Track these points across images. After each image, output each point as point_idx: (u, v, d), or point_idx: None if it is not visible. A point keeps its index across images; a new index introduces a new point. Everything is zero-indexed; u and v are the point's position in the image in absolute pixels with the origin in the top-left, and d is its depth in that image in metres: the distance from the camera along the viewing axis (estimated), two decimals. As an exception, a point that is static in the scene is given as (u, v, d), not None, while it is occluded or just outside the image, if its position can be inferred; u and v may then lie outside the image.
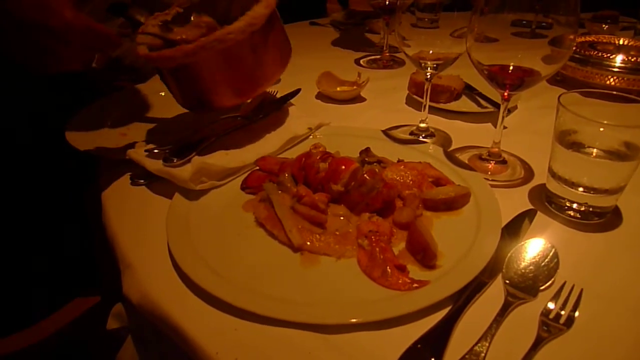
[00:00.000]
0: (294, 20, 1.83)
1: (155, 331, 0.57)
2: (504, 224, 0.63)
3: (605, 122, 0.59)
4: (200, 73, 0.73)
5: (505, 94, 0.72)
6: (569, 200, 0.66)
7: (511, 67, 0.71)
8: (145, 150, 0.74)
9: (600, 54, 1.12)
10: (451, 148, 0.87)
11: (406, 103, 1.10)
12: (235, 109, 0.84)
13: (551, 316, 0.50)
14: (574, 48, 0.68)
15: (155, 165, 0.71)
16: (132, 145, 0.79)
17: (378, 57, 1.44)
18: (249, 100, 0.86)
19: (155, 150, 0.74)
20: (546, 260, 0.56)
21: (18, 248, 0.99)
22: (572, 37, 0.66)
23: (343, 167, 0.65)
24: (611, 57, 1.11)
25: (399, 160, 0.75)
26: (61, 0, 0.64)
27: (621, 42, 1.25)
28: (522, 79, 0.70)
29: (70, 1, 0.65)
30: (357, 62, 1.42)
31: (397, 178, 0.69)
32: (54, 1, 0.63)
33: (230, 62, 0.73)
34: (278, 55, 0.82)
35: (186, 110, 0.85)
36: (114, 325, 0.67)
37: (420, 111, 0.90)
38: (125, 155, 0.75)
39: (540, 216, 0.67)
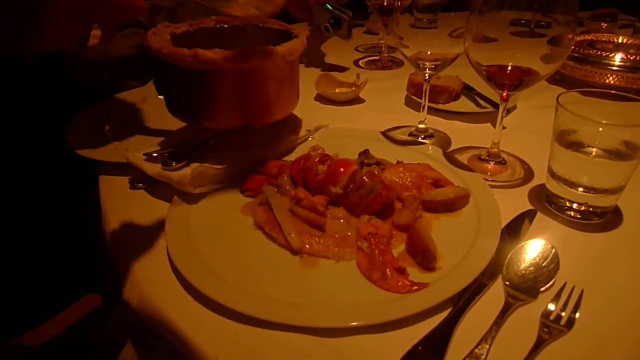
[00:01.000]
0: (291, 22, 1.83)
1: (155, 335, 0.57)
2: (503, 224, 0.63)
3: (604, 121, 0.59)
4: (226, 83, 0.73)
5: (504, 94, 0.72)
6: (568, 200, 0.65)
7: (509, 67, 0.70)
8: (144, 154, 0.74)
9: (599, 53, 1.12)
10: (450, 149, 0.87)
11: (405, 104, 1.10)
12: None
13: (552, 317, 0.49)
14: (573, 47, 0.67)
15: (154, 169, 0.71)
16: (130, 149, 0.79)
17: (377, 58, 1.44)
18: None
19: (154, 154, 0.74)
20: (546, 261, 0.56)
21: (19, 250, 0.99)
22: (570, 36, 0.65)
23: (342, 169, 0.65)
24: (610, 55, 1.10)
25: (398, 162, 0.75)
26: None
27: (620, 40, 1.24)
28: (520, 79, 0.69)
29: None
30: (355, 63, 1.42)
31: (396, 180, 0.69)
32: None
33: (258, 82, 0.74)
34: (293, 94, 0.83)
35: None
36: (114, 329, 0.67)
37: (419, 112, 0.90)
38: (124, 158, 0.75)
39: (540, 216, 0.66)
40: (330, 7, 1.27)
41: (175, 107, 0.80)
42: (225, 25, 0.89)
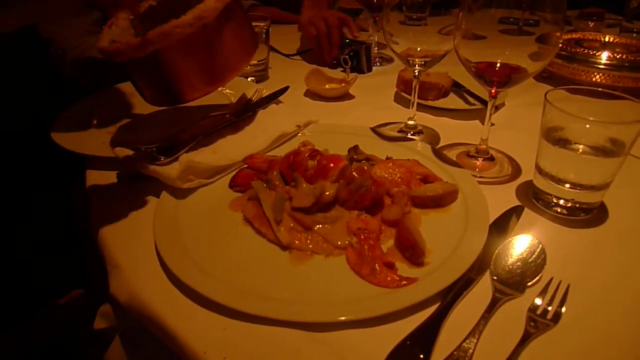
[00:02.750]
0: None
1: (143, 331, 0.56)
2: (491, 220, 0.63)
3: (591, 118, 0.59)
4: (160, 66, 0.72)
5: (493, 90, 0.72)
6: (555, 197, 0.66)
7: (498, 64, 0.71)
8: (132, 149, 0.73)
9: (586, 51, 1.13)
10: (439, 145, 0.87)
11: (394, 100, 1.10)
12: (224, 107, 0.83)
13: (538, 312, 0.50)
14: (561, 45, 0.68)
15: (142, 164, 0.70)
16: (118, 143, 0.78)
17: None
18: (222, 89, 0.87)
19: (143, 148, 0.73)
20: (533, 256, 0.57)
21: (3, 247, 0.98)
22: (558, 34, 0.66)
23: (332, 164, 0.65)
24: (597, 54, 1.12)
25: (387, 158, 0.75)
26: None
27: (607, 39, 1.26)
28: (509, 76, 0.70)
29: None
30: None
31: (386, 175, 0.70)
32: None
33: (187, 54, 0.73)
34: (239, 47, 0.81)
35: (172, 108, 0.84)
36: (102, 325, 0.66)
37: (409, 108, 0.90)
38: (112, 153, 0.74)
39: (527, 212, 0.67)
40: (347, 41, 1.27)
41: (145, 97, 0.81)
42: None
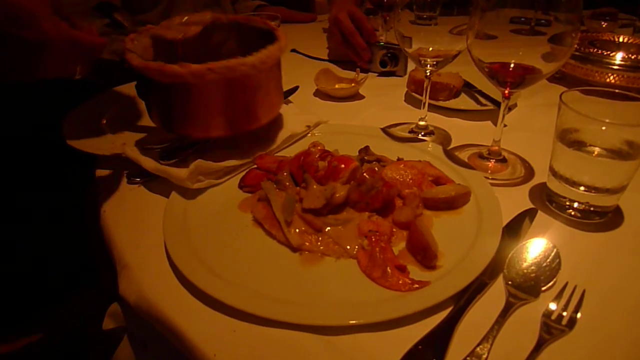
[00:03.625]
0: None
1: (152, 332, 0.56)
2: (504, 223, 0.62)
3: (607, 120, 0.58)
4: (198, 97, 0.70)
5: (506, 91, 0.71)
6: (570, 200, 0.65)
7: (512, 65, 0.70)
8: (142, 148, 0.73)
9: (600, 52, 1.12)
10: (451, 146, 0.86)
11: (405, 101, 1.09)
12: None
13: (553, 317, 0.49)
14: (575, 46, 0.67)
15: (151, 164, 0.70)
16: (128, 143, 0.78)
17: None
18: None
19: (152, 148, 0.73)
20: (548, 260, 0.56)
21: (14, 246, 0.98)
22: (573, 34, 0.65)
23: (342, 165, 0.65)
24: (611, 54, 1.10)
25: (398, 159, 0.74)
26: (37, 10, 0.57)
27: (621, 39, 1.24)
28: (523, 77, 0.69)
29: (48, 9, 0.59)
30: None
31: (397, 177, 0.69)
32: (29, 12, 0.56)
33: (231, 94, 0.71)
34: (274, 99, 0.80)
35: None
36: (111, 325, 0.66)
37: (419, 109, 0.89)
38: (121, 153, 0.74)
39: (541, 215, 0.66)
40: (382, 43, 1.25)
41: (152, 115, 0.78)
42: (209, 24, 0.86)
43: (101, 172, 0.77)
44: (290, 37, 1.46)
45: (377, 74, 1.24)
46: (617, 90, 0.64)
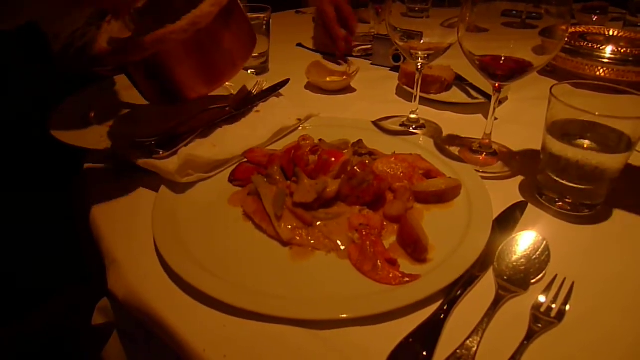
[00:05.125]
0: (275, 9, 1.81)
1: (141, 327, 0.56)
2: (494, 216, 0.62)
3: (597, 113, 0.58)
4: (158, 69, 0.73)
5: (497, 84, 0.71)
6: (559, 192, 0.65)
7: (503, 58, 0.70)
8: (131, 142, 0.72)
9: (590, 45, 1.12)
10: (441, 139, 0.86)
11: (396, 94, 1.09)
12: (224, 99, 0.82)
13: (542, 310, 0.49)
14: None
15: (140, 158, 0.69)
16: (116, 136, 0.77)
17: (369, 47, 1.42)
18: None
19: (141, 142, 0.72)
20: (537, 253, 0.56)
21: (2, 243, 0.97)
22: (564, 27, 0.65)
23: (333, 159, 0.64)
24: (601, 48, 1.10)
25: (394, 153, 0.74)
26: None
27: (611, 33, 1.24)
28: (513, 70, 0.69)
29: None
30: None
31: (388, 170, 0.69)
32: None
33: (184, 57, 0.73)
34: (238, 46, 0.81)
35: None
36: (100, 321, 0.65)
37: (411, 102, 0.89)
38: (110, 146, 0.73)
39: (531, 208, 0.66)
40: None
41: (144, 96, 0.82)
42: None
43: (89, 166, 0.76)
44: (295, 30, 1.46)
45: (389, 68, 1.24)
46: (607, 84, 0.65)
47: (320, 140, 0.74)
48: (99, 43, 0.72)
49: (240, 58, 0.82)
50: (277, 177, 0.67)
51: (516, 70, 0.69)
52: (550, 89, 0.63)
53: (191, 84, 0.77)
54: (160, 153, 0.69)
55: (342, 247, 0.57)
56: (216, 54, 0.77)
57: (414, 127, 0.89)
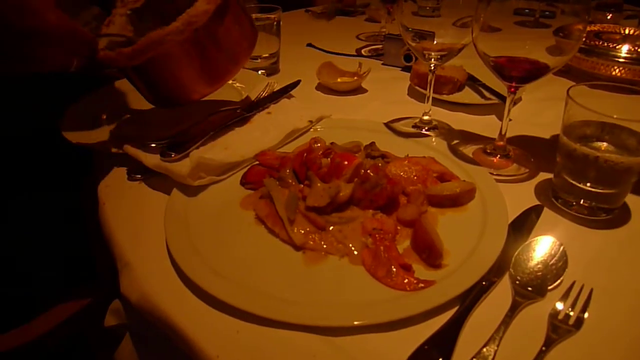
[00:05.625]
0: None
1: (154, 330, 0.56)
2: (510, 220, 0.61)
3: (615, 116, 0.57)
4: (157, 71, 0.72)
5: (512, 88, 0.70)
6: (576, 196, 0.64)
7: (518, 59, 0.68)
8: (142, 145, 0.72)
9: (605, 44, 1.10)
10: (454, 141, 0.85)
11: (408, 94, 1.08)
12: (234, 102, 0.81)
13: (560, 317, 0.48)
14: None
15: (152, 160, 0.69)
16: (128, 139, 0.77)
17: (379, 47, 1.42)
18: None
19: (153, 145, 0.72)
20: (554, 258, 0.55)
21: (13, 244, 0.98)
22: (580, 27, 0.64)
23: (345, 162, 0.64)
24: (617, 47, 1.08)
25: (407, 156, 0.73)
26: (44, 1, 0.59)
27: (627, 31, 1.22)
28: (529, 71, 0.68)
29: (53, 2, 0.60)
30: (358, 51, 1.40)
31: (401, 173, 0.68)
32: (37, 2, 0.59)
33: (182, 58, 0.72)
34: (238, 43, 0.79)
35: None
36: (112, 323, 0.65)
37: (423, 102, 0.88)
38: (121, 149, 0.73)
39: (547, 212, 0.65)
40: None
41: (147, 98, 0.81)
42: None
43: (101, 169, 0.76)
44: (305, 30, 1.45)
45: (400, 68, 1.23)
46: (624, 85, 0.63)
47: (332, 143, 0.73)
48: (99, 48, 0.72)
49: (242, 54, 0.80)
50: (290, 181, 0.66)
51: (531, 71, 0.68)
52: (567, 91, 0.62)
53: (193, 85, 0.75)
54: (172, 156, 0.69)
55: (356, 252, 0.56)
56: (217, 52, 0.75)
57: (426, 128, 0.88)
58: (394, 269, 0.53)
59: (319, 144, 0.72)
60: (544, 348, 0.45)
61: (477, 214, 0.63)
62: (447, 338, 0.46)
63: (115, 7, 0.78)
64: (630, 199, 0.65)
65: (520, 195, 0.68)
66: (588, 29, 1.21)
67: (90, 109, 0.90)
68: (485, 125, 0.91)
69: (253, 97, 0.91)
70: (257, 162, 0.74)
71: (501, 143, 0.77)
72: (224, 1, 0.72)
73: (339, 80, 1.11)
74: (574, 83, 0.65)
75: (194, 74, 0.74)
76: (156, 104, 0.81)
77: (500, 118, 0.75)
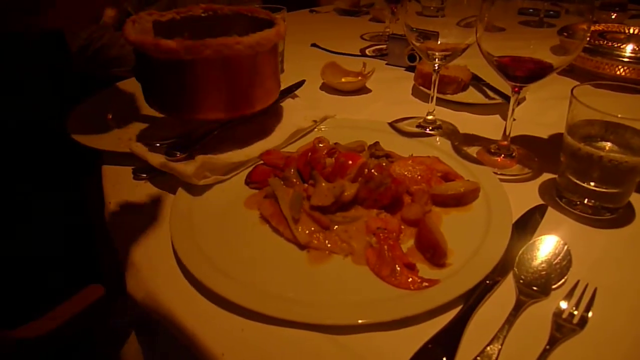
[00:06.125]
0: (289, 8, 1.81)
1: (160, 328, 0.56)
2: (514, 219, 0.61)
3: (619, 115, 0.57)
4: (195, 75, 0.70)
5: (516, 87, 0.70)
6: (580, 195, 0.64)
7: (522, 59, 0.69)
8: (148, 144, 0.73)
9: (610, 44, 1.10)
10: (458, 141, 0.85)
11: (412, 94, 1.08)
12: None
13: (564, 316, 0.49)
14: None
15: (157, 160, 0.70)
16: (133, 138, 0.77)
17: (384, 46, 1.42)
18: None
19: (158, 144, 0.73)
20: (558, 258, 0.55)
21: (18, 242, 0.99)
22: (584, 27, 0.64)
23: (350, 162, 0.64)
24: (621, 46, 1.08)
25: (411, 156, 0.73)
26: None
27: (631, 31, 1.22)
28: (533, 71, 0.68)
29: None
30: (362, 51, 1.40)
31: (405, 173, 0.68)
32: None
33: (225, 74, 0.71)
34: (270, 85, 0.80)
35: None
36: (118, 320, 0.66)
37: (427, 102, 0.88)
38: (127, 148, 0.73)
39: (551, 211, 0.65)
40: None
41: (148, 97, 0.79)
42: (212, 14, 0.87)
43: (107, 169, 0.76)
44: (309, 30, 1.45)
45: (404, 68, 1.23)
46: (628, 84, 0.63)
47: (336, 143, 0.74)
48: (131, 34, 0.70)
49: (259, 101, 0.78)
50: (294, 180, 0.66)
51: (535, 71, 0.68)
52: (572, 90, 0.62)
53: (211, 101, 0.73)
54: (177, 155, 0.70)
55: (360, 251, 0.57)
56: (249, 83, 0.75)
57: (430, 128, 0.88)
58: (398, 268, 0.53)
59: (323, 144, 0.72)
60: (547, 347, 0.45)
61: (481, 214, 0.63)
62: (451, 337, 0.46)
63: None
64: (635, 199, 0.65)
65: (524, 195, 0.69)
66: (592, 28, 1.22)
67: (96, 109, 0.90)
68: (489, 125, 0.91)
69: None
70: (261, 162, 0.74)
71: (505, 143, 0.77)
72: (278, 41, 0.75)
73: (343, 80, 1.11)
74: (578, 83, 0.65)
75: (221, 91, 0.73)
76: (160, 108, 0.78)
77: (504, 118, 0.75)
